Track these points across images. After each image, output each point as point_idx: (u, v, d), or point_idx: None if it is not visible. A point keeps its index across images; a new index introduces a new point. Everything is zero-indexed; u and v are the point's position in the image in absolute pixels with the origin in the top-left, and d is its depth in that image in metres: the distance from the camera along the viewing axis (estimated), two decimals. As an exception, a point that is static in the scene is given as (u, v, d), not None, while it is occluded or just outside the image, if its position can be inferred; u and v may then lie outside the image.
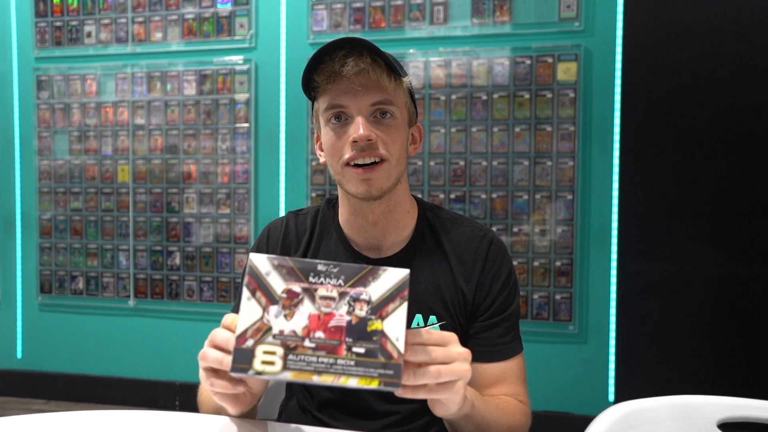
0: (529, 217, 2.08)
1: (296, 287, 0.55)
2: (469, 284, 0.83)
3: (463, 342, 0.80)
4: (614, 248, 2.03)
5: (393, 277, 0.56)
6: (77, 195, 2.45)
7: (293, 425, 0.71)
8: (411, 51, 2.14)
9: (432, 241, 0.86)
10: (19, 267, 2.51)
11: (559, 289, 2.07)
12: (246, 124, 2.30)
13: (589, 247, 2.05)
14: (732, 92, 1.92)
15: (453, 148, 2.13)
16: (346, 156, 0.78)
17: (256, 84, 2.29)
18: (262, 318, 0.54)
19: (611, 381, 2.04)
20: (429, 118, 2.14)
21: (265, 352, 0.53)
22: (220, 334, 0.59)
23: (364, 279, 0.56)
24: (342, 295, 0.55)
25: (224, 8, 2.29)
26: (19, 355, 2.52)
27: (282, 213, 2.28)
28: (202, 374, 0.61)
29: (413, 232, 0.86)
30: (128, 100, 2.39)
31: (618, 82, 2.00)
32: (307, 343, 0.53)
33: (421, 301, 0.83)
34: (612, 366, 2.04)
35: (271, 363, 0.52)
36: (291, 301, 0.55)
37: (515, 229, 2.10)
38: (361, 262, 0.85)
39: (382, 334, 0.54)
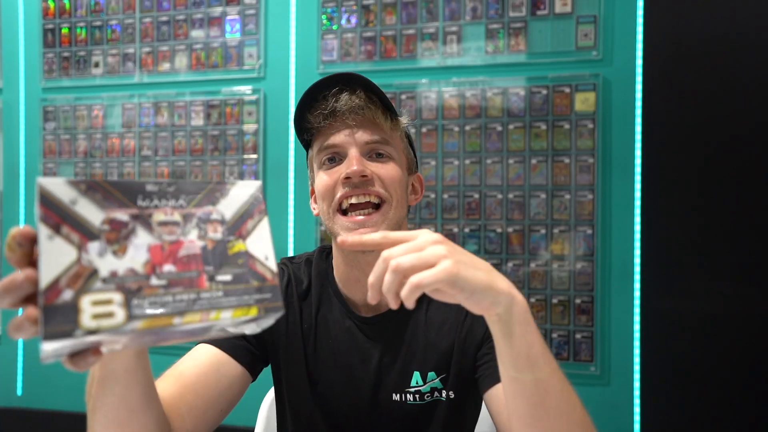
0: (547, 251, 2.00)
1: (121, 215, 0.42)
2: (466, 320, 0.79)
3: (474, 383, 0.77)
4: (637, 285, 1.94)
5: (244, 190, 0.48)
6: (82, 226, 2.40)
7: None
8: (423, 81, 2.09)
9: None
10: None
11: (579, 327, 1.97)
12: (254, 155, 2.25)
13: (611, 283, 1.96)
14: (759, 121, 1.85)
15: (467, 180, 2.06)
16: (338, 195, 0.72)
17: (264, 114, 2.24)
18: (78, 260, 0.40)
19: (636, 426, 1.93)
20: (442, 150, 2.08)
21: (96, 303, 0.39)
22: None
23: (211, 196, 0.46)
24: (187, 218, 0.45)
25: (233, 38, 2.26)
26: (19, 392, 2.45)
27: (290, 245, 2.21)
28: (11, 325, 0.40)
29: None
30: (135, 130, 2.35)
31: (638, 112, 1.93)
32: (154, 281, 0.42)
33: (418, 358, 0.78)
34: (637, 410, 1.93)
35: (109, 315, 0.39)
36: (118, 233, 0.42)
37: (532, 265, 2.01)
38: (358, 321, 0.81)
39: (247, 255, 0.46)
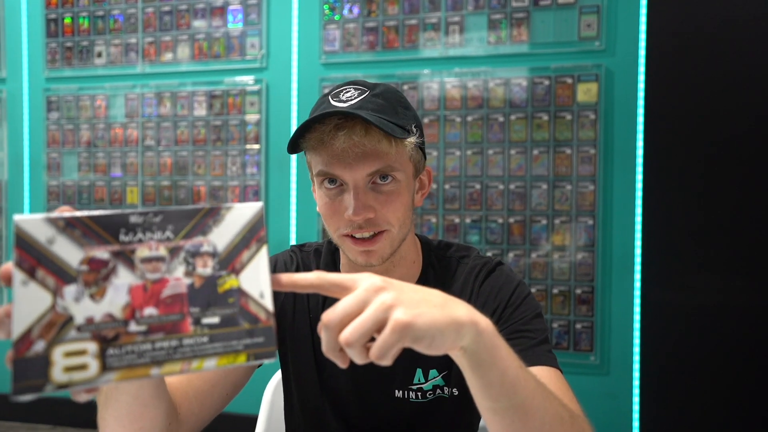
0: (548, 242, 2.01)
1: (101, 253, 0.39)
2: None
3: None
4: (638, 276, 1.95)
5: (242, 214, 0.42)
6: (86, 216, 2.42)
7: None
8: (425, 71, 2.09)
9: (437, 288, 0.80)
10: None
11: (579, 317, 1.99)
12: (257, 146, 2.26)
13: (611, 274, 1.97)
14: (761, 113, 1.84)
15: (469, 171, 2.06)
16: (342, 231, 0.72)
17: (267, 104, 2.24)
18: (53, 306, 0.37)
19: (635, 415, 1.95)
20: (444, 140, 2.08)
21: (69, 354, 0.37)
22: None
23: (202, 225, 0.41)
24: (174, 252, 0.40)
25: (235, 28, 2.26)
26: None
27: (293, 235, 2.23)
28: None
29: (417, 283, 0.79)
30: (138, 120, 2.36)
31: (641, 102, 1.93)
32: (133, 327, 0.38)
33: (421, 356, 0.77)
34: (636, 399, 1.95)
35: (82, 367, 0.37)
36: (97, 274, 0.39)
37: (533, 255, 2.02)
38: None
39: (239, 292, 0.41)
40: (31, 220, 0.38)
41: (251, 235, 0.42)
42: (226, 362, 0.40)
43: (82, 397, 0.40)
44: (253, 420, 1.00)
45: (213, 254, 0.41)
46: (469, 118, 2.06)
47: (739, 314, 1.87)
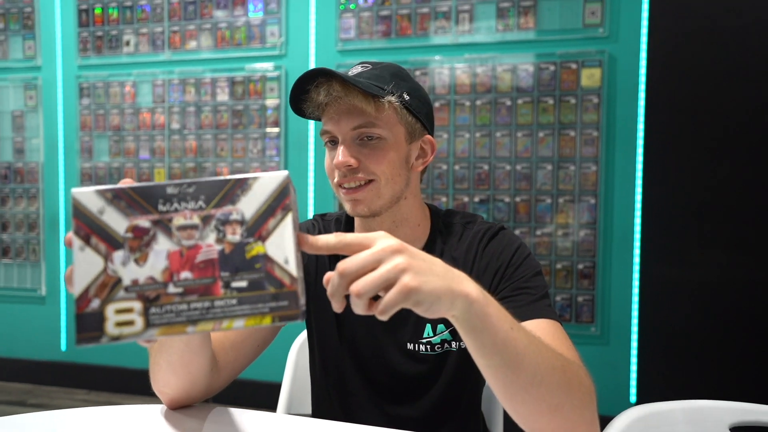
0: (552, 220, 2.12)
1: (143, 222, 0.44)
2: (473, 272, 0.82)
3: None
4: (637, 252, 2.06)
5: (268, 184, 0.45)
6: (116, 196, 2.57)
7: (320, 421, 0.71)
8: (437, 57, 2.20)
9: (445, 251, 0.87)
10: (62, 264, 2.65)
11: (581, 291, 2.11)
12: (276, 129, 2.39)
13: (612, 250, 2.08)
14: (757, 97, 1.93)
15: (477, 152, 2.18)
16: (335, 180, 0.82)
17: (286, 90, 2.37)
18: (105, 269, 0.43)
19: (633, 382, 2.07)
20: (454, 123, 2.19)
21: (119, 311, 0.43)
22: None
23: (231, 194, 0.45)
24: (206, 220, 0.44)
25: (256, 17, 2.38)
26: (63, 347, 2.67)
27: (311, 211, 2.37)
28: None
29: (425, 245, 0.86)
30: (164, 106, 2.50)
31: (642, 87, 2.03)
32: (171, 289, 0.44)
33: None
34: (634, 368, 2.07)
35: (129, 323, 0.43)
36: (140, 241, 0.44)
37: (538, 232, 2.14)
38: None
39: (265, 258, 0.44)
40: (85, 193, 0.44)
41: (276, 204, 0.45)
42: (253, 323, 0.44)
43: (146, 342, 0.46)
44: (277, 387, 1.06)
45: (241, 222, 0.44)
46: (478, 102, 2.17)
47: (733, 287, 1.98)
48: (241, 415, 0.72)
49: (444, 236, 0.87)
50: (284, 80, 2.36)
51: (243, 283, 0.44)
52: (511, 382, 0.56)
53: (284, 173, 0.45)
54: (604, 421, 0.66)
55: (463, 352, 0.83)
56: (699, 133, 1.99)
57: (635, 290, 2.07)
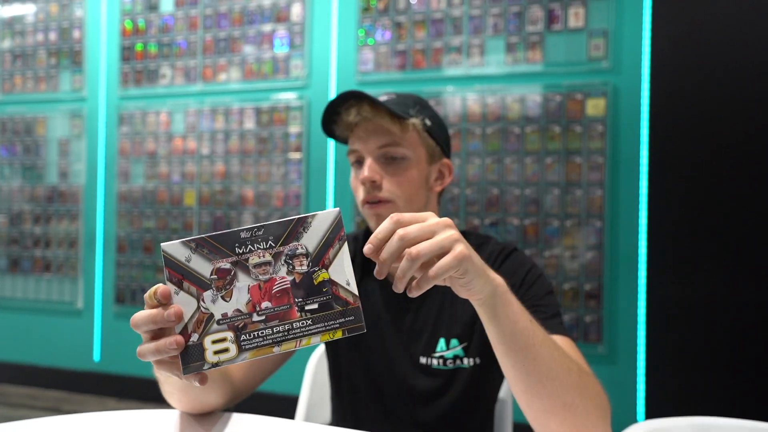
0: (560, 242, 2.21)
1: (224, 264, 0.51)
2: None
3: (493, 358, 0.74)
4: (642, 273, 2.13)
5: (324, 220, 0.52)
6: (149, 216, 2.75)
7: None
8: (449, 88, 2.34)
9: None
10: (99, 279, 2.83)
11: (588, 311, 2.18)
12: (298, 155, 2.54)
13: (618, 271, 2.16)
14: (759, 127, 2.00)
15: (488, 177, 2.29)
16: (360, 197, 0.86)
17: (308, 119, 2.53)
18: (198, 308, 0.50)
19: (641, 402, 2.12)
20: (466, 150, 2.32)
21: (215, 341, 0.50)
22: (141, 314, 0.51)
23: (295, 232, 0.52)
24: (276, 256, 0.51)
25: (281, 51, 2.57)
26: (96, 358, 2.82)
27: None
28: (144, 348, 0.51)
29: None
30: (195, 133, 2.69)
31: (645, 116, 2.12)
32: (255, 317, 0.51)
33: (445, 326, 0.86)
34: (641, 387, 2.12)
35: (225, 350, 0.50)
36: (224, 281, 0.51)
37: (546, 254, 2.23)
38: (392, 291, 0.86)
39: (330, 283, 0.51)
40: (172, 245, 0.51)
41: (333, 236, 0.52)
42: (327, 338, 0.51)
43: (199, 380, 0.50)
44: (294, 400, 1.08)
45: (306, 255, 0.51)
46: (489, 130, 2.29)
47: (737, 307, 2.02)
48: (259, 422, 0.73)
49: None
50: (307, 109, 2.53)
51: (314, 306, 0.51)
52: (528, 373, 0.60)
53: (336, 210, 0.52)
54: (612, 438, 0.67)
55: (476, 370, 0.85)
56: (700, 158, 2.07)
57: (641, 310, 2.13)
